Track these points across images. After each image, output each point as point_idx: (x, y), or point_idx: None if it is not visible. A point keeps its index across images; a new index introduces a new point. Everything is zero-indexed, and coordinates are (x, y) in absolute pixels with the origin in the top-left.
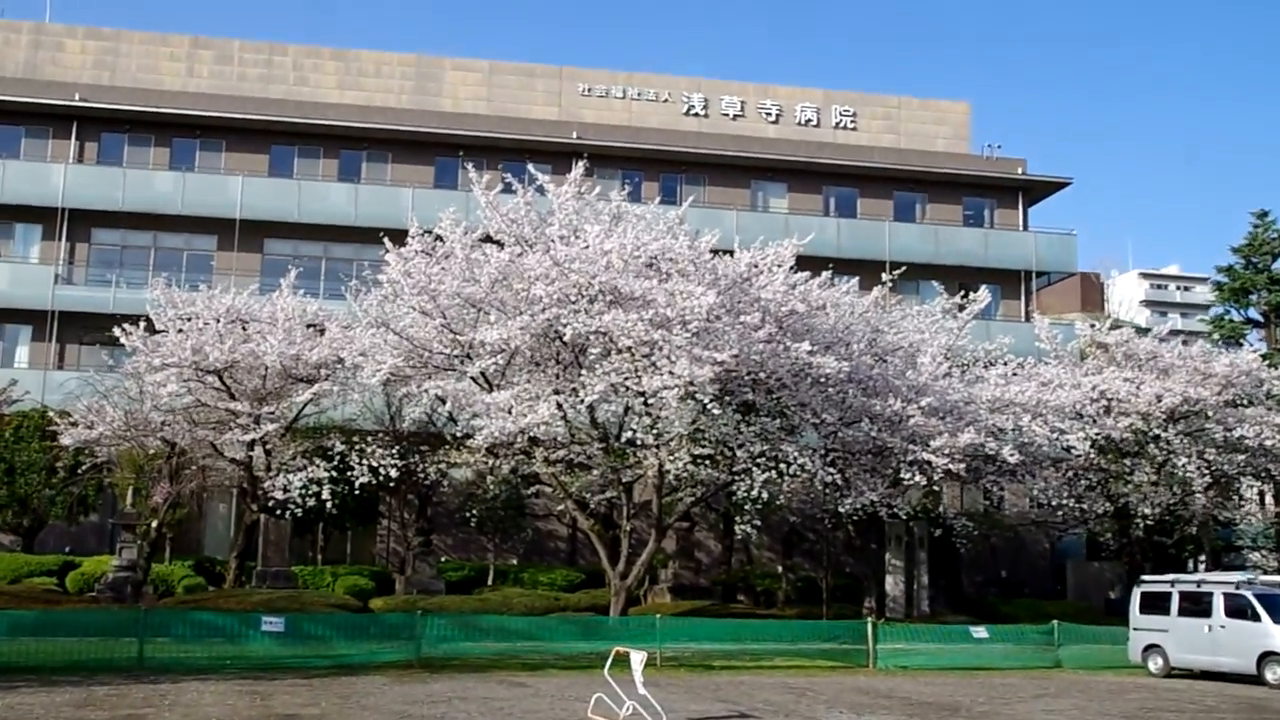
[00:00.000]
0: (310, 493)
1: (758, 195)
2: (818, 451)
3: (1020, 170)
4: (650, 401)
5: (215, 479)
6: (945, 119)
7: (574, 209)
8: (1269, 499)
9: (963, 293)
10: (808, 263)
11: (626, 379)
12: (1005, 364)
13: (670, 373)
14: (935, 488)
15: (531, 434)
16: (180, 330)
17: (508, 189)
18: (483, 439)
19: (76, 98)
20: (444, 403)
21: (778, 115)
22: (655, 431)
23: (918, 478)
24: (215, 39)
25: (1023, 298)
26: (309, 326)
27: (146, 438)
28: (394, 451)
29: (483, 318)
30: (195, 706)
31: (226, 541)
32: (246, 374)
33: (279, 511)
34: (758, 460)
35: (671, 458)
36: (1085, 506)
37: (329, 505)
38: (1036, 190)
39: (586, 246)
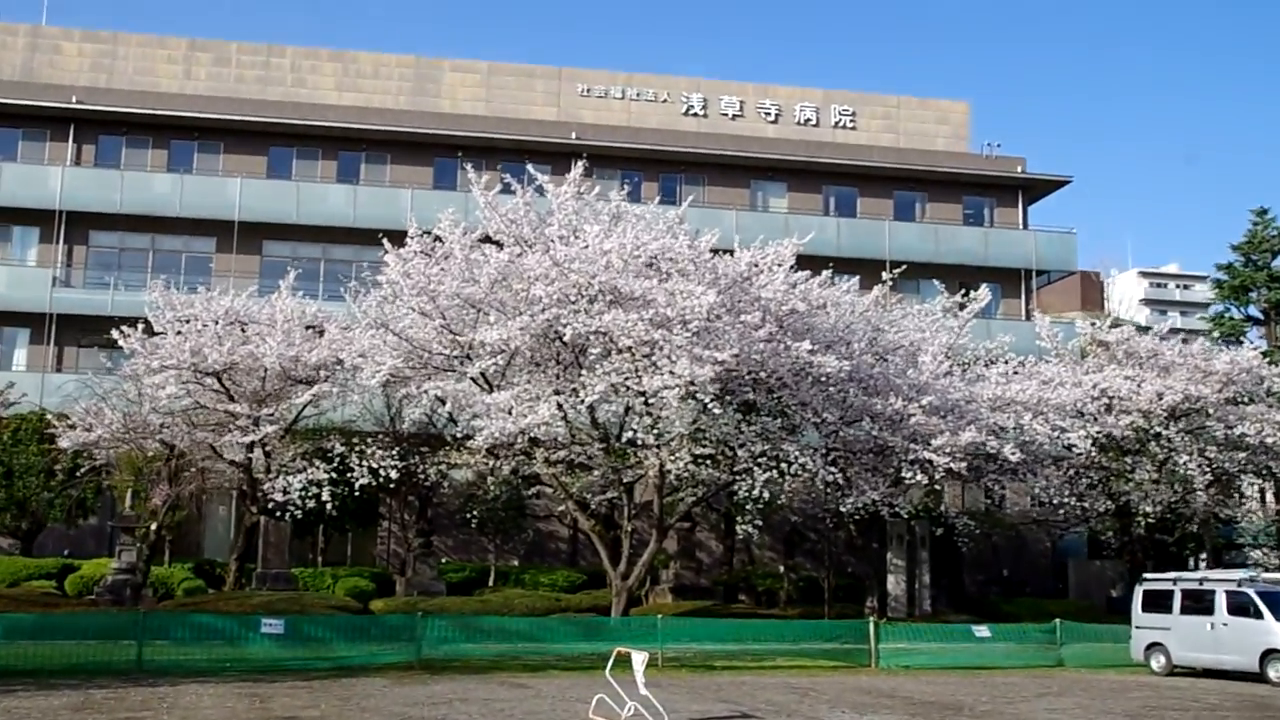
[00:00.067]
0: (310, 494)
1: (757, 195)
2: (819, 451)
3: (1020, 169)
4: (651, 401)
5: (215, 481)
6: (945, 118)
7: (573, 209)
8: (1270, 496)
9: (963, 291)
10: (808, 262)
11: (627, 379)
12: (1006, 362)
13: (671, 372)
14: (937, 487)
15: (532, 434)
16: (179, 332)
17: (507, 190)
18: (483, 440)
19: (74, 100)
20: (444, 404)
21: (777, 115)
22: (656, 431)
23: (919, 477)
24: (212, 41)
25: (1023, 296)
26: (308, 328)
27: (145, 440)
28: (394, 453)
29: (482, 318)
30: (194, 709)
31: (226, 544)
32: (245, 376)
33: (279, 513)
34: (759, 460)
35: (672, 458)
36: (1087, 505)
37: (329, 507)
38: (1036, 189)
39: (586, 246)
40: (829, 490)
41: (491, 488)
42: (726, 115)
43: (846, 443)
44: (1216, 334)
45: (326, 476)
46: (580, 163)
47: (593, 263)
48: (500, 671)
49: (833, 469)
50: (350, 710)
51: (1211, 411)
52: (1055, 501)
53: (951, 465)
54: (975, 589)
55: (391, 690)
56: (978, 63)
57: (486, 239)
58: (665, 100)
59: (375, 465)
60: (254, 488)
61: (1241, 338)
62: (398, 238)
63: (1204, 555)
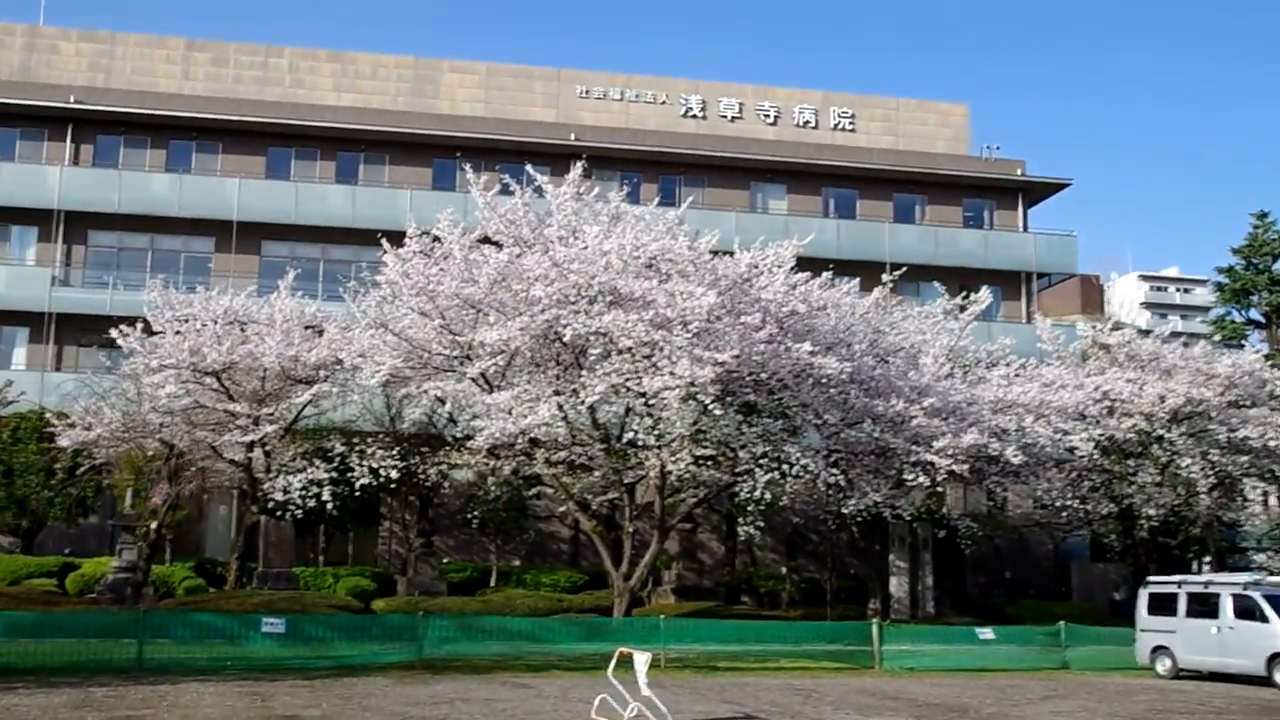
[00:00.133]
0: (310, 494)
1: (757, 197)
2: (820, 452)
3: (1019, 172)
4: (651, 402)
5: (215, 480)
6: (944, 121)
7: (572, 210)
8: (1273, 500)
9: (963, 294)
10: (807, 264)
11: (627, 380)
12: (1007, 365)
13: (671, 373)
14: (939, 489)
15: (532, 435)
16: (178, 332)
17: (506, 191)
18: (483, 440)
19: (71, 100)
20: (444, 404)
21: (776, 117)
22: (657, 432)
23: (921, 479)
24: (211, 41)
25: (1023, 299)
26: (307, 328)
27: (145, 439)
28: (394, 453)
29: (482, 319)
30: (194, 708)
31: (227, 543)
32: (245, 375)
33: (279, 513)
34: (760, 461)
35: (673, 459)
36: (1089, 507)
37: (330, 507)
38: (1036, 191)
39: (585, 247)
40: (831, 492)
41: (492, 488)
42: (725, 117)
43: (848, 444)
44: (1218, 337)
45: (327, 476)
46: (579, 164)
47: (592, 263)
48: (502, 671)
49: (834, 470)
50: (351, 709)
51: (1214, 415)
52: (1058, 504)
53: (953, 467)
54: (978, 591)
55: (393, 690)
56: (977, 66)
57: (485, 240)
58: (664, 102)
59: (376, 465)
60: (254, 487)
61: (1243, 341)
62: (397, 238)
63: (1207, 558)
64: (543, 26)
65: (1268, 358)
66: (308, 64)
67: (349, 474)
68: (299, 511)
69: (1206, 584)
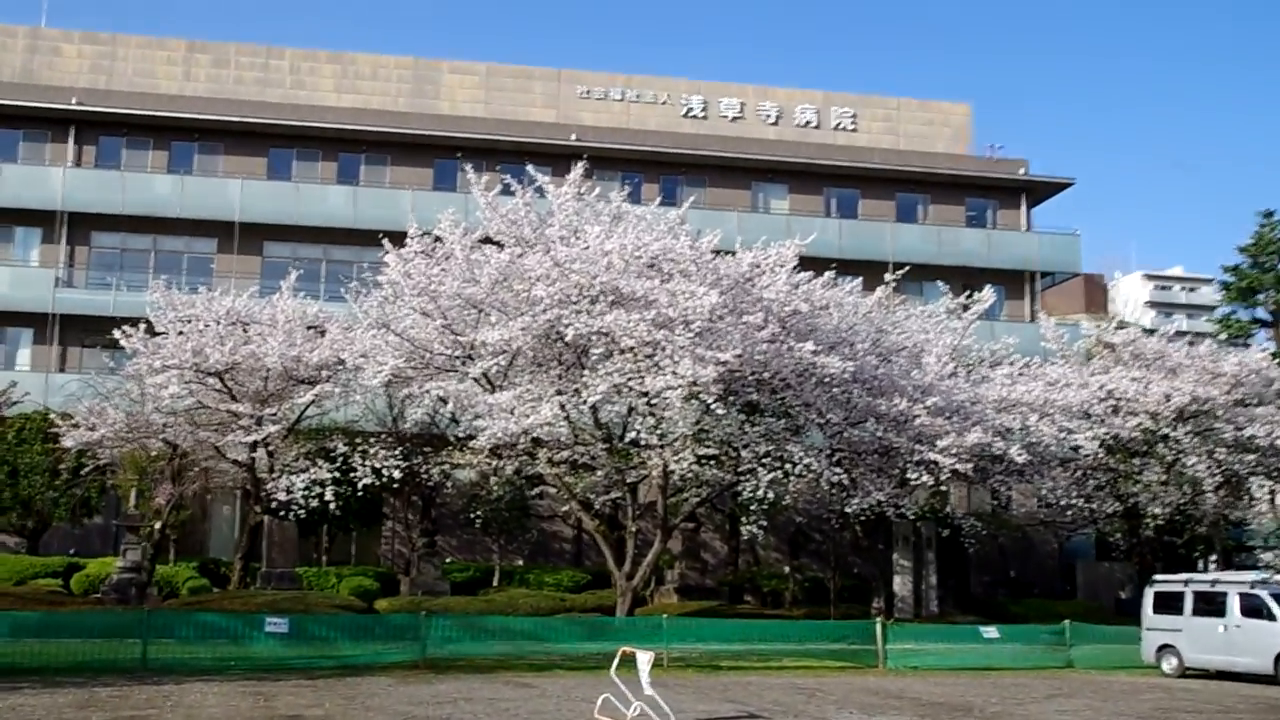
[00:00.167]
0: (313, 494)
1: (758, 197)
2: (823, 452)
3: (1022, 171)
4: (654, 402)
5: (218, 481)
6: (946, 121)
7: (574, 210)
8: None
9: (966, 293)
10: (810, 264)
11: (629, 379)
12: (1011, 364)
13: (674, 373)
14: (942, 488)
15: (535, 435)
16: (181, 332)
17: (507, 191)
18: (486, 440)
19: (74, 101)
20: (446, 404)
21: (777, 117)
22: (659, 432)
23: (925, 478)
24: (212, 43)
25: (1027, 298)
26: (309, 328)
27: (148, 439)
28: (397, 453)
29: (484, 319)
30: (198, 708)
31: (231, 543)
32: (248, 376)
33: (283, 513)
34: (763, 460)
35: (676, 458)
36: (1094, 506)
37: (333, 507)
38: (1039, 191)
39: (587, 247)
40: (834, 491)
41: (495, 488)
42: (726, 117)
43: (851, 443)
44: (1223, 336)
45: (330, 476)
46: (580, 164)
47: (594, 263)
48: (505, 671)
49: (838, 470)
50: (354, 709)
51: (1220, 413)
52: (1062, 503)
53: (957, 466)
54: (982, 590)
55: (396, 689)
56: (979, 66)
57: (487, 240)
58: (665, 102)
59: (378, 465)
60: (258, 487)
61: (1248, 340)
62: (398, 238)
63: (1214, 557)
64: (543, 27)
65: (1275, 356)
66: (308, 65)
67: (352, 474)
68: (302, 511)
69: (1213, 582)
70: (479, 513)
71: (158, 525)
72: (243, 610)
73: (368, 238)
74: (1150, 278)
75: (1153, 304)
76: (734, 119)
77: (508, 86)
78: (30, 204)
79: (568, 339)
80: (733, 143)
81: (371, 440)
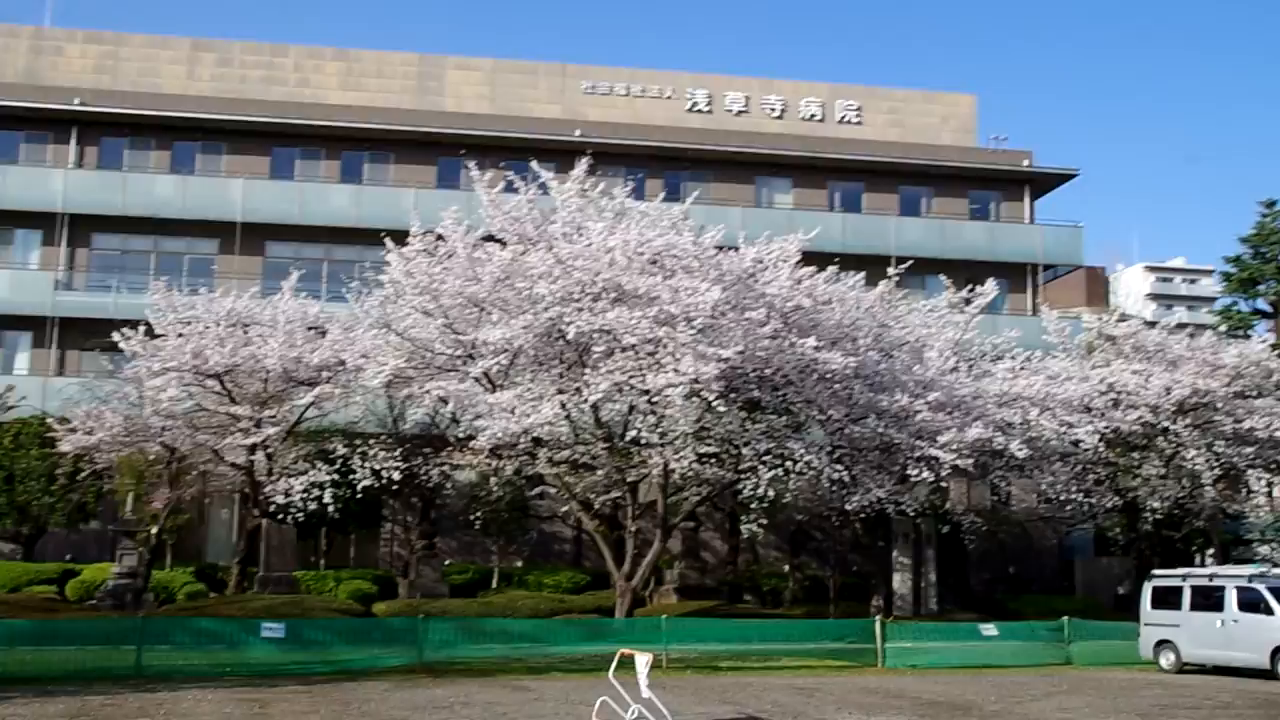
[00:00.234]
0: (312, 497)
1: (762, 191)
2: (824, 449)
3: (1026, 163)
4: (655, 400)
5: (216, 484)
6: (951, 113)
7: (577, 206)
8: (1278, 491)
9: (969, 287)
10: (813, 258)
11: (631, 377)
12: (1013, 358)
13: (675, 370)
14: (943, 484)
15: (535, 434)
16: (180, 334)
17: (510, 188)
18: (486, 440)
19: (76, 102)
20: (447, 404)
21: (782, 111)
22: (660, 430)
23: (925, 474)
24: (216, 41)
25: (1029, 291)
26: (310, 329)
27: (146, 443)
28: (397, 454)
29: (485, 317)
30: (191, 715)
31: (228, 547)
32: (247, 377)
33: (281, 516)
34: (764, 458)
35: (677, 457)
36: (1094, 501)
37: (331, 509)
38: (1042, 183)
39: (590, 244)
40: (834, 488)
41: (495, 488)
42: (731, 111)
43: (852, 440)
44: (1224, 328)
45: (329, 478)
46: (584, 160)
47: (596, 260)
48: (503, 674)
49: (838, 467)
50: (350, 715)
51: (1220, 406)
52: (1062, 498)
53: (958, 462)
54: (981, 587)
55: (393, 694)
56: (983, 57)
57: (490, 238)
58: (670, 97)
59: (378, 467)
60: (256, 490)
61: (1249, 331)
62: (401, 238)
63: (1211, 551)
64: (547, 22)
65: (1274, 347)
66: (313, 63)
67: (351, 476)
68: (300, 515)
69: (1211, 577)
70: (478, 514)
71: (154, 530)
72: (239, 615)
73: (371, 237)
74: (1151, 270)
75: (1154, 296)
76: (739, 113)
77: (512, 82)
78: (31, 205)
79: (569, 337)
80: (737, 137)
81: (371, 442)
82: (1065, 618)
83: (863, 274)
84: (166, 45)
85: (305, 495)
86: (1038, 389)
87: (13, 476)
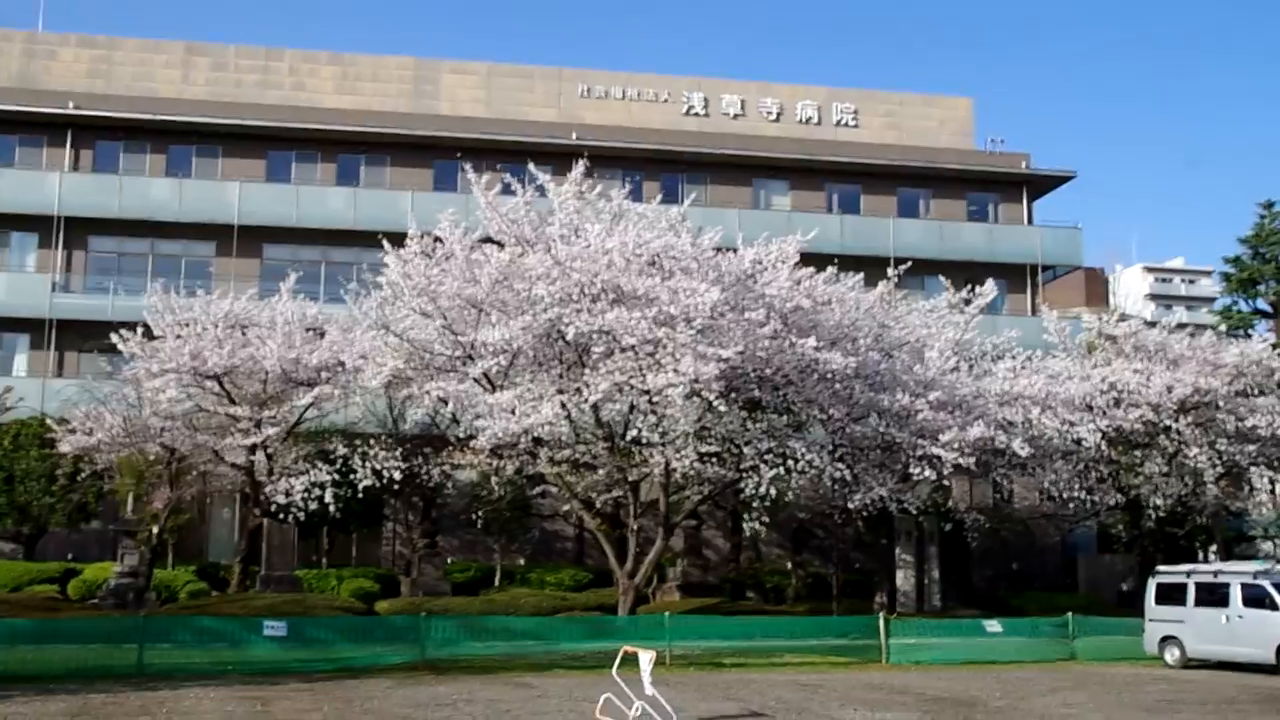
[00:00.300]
0: (313, 496)
1: (760, 194)
2: (825, 447)
3: (1024, 164)
4: (655, 400)
5: (217, 484)
6: (948, 115)
7: (575, 208)
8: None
9: (969, 287)
10: (811, 260)
11: (631, 378)
12: (1013, 358)
13: (675, 370)
14: (945, 482)
15: (536, 434)
16: (178, 336)
17: (507, 190)
18: (486, 440)
19: (71, 106)
20: (446, 404)
21: (779, 114)
22: (661, 430)
23: (927, 472)
24: (210, 45)
25: (1029, 292)
26: (309, 330)
27: (146, 444)
28: (397, 454)
29: (484, 318)
30: (193, 714)
31: (230, 546)
32: (246, 378)
33: (282, 516)
34: (765, 457)
35: (678, 456)
36: (1096, 499)
37: (332, 509)
38: (1040, 184)
39: (588, 245)
40: (836, 487)
41: (496, 488)
42: (728, 114)
43: (853, 439)
44: (1224, 328)
45: (329, 478)
46: (581, 162)
47: (595, 261)
48: (506, 672)
49: (840, 465)
50: (352, 713)
51: (1221, 404)
52: (1064, 496)
53: (960, 460)
54: (984, 584)
55: (395, 692)
56: (981, 60)
57: (487, 239)
58: (666, 100)
59: (378, 467)
60: (256, 490)
61: (1249, 332)
62: (398, 240)
63: (1214, 548)
64: (543, 26)
65: (1275, 346)
66: (308, 66)
67: (352, 476)
68: (301, 514)
69: (1215, 573)
70: (480, 513)
71: (155, 530)
72: (241, 614)
73: (367, 239)
74: (1150, 270)
75: (1153, 296)
76: (735, 116)
77: (508, 86)
78: (27, 209)
79: (568, 338)
80: (734, 140)
81: (371, 442)
82: (1069, 614)
83: (861, 275)
84: (160, 49)
85: (306, 495)
86: (1039, 388)
87: (13, 477)
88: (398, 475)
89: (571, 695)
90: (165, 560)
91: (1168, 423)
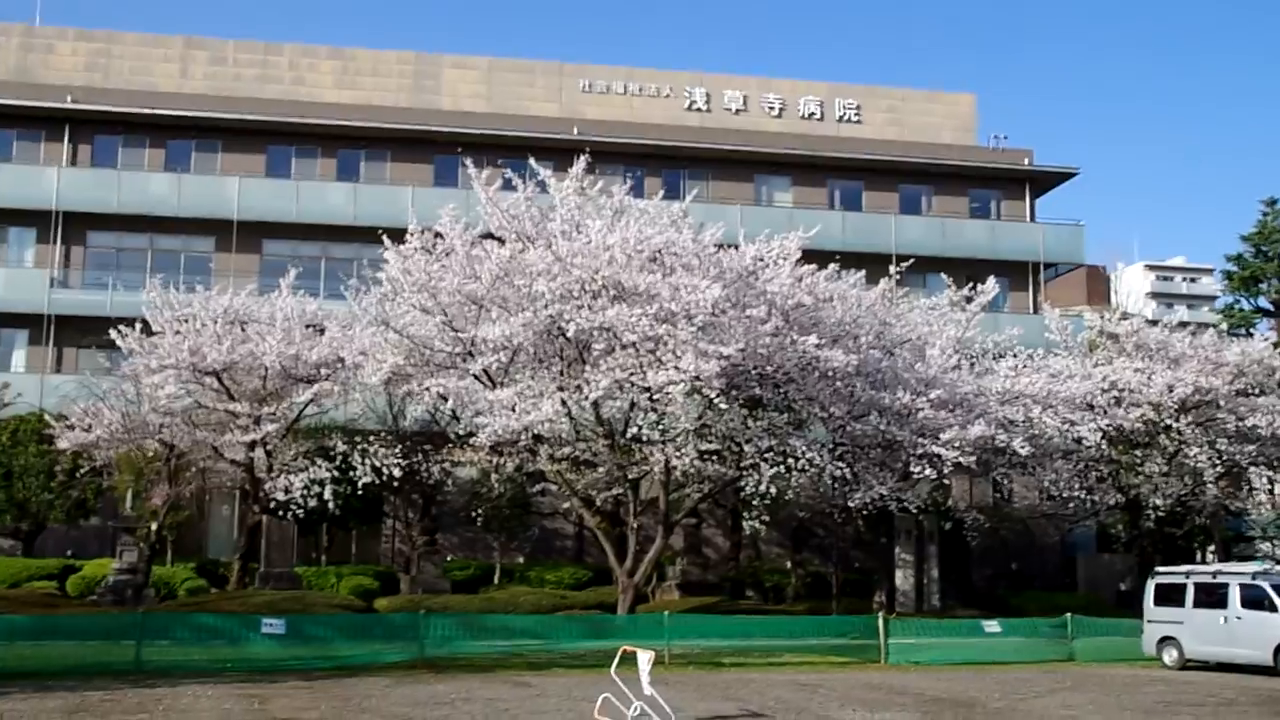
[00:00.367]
0: (312, 493)
1: (761, 190)
2: (826, 446)
3: (1027, 161)
4: (656, 397)
5: (216, 481)
6: (951, 111)
7: (576, 204)
8: (1279, 488)
9: (970, 285)
10: (813, 257)
11: (631, 375)
12: (1014, 356)
13: (676, 368)
14: (945, 481)
15: (536, 431)
16: (178, 332)
17: (508, 186)
18: (486, 437)
19: (69, 100)
20: (446, 401)
21: (781, 109)
22: (661, 427)
23: (927, 471)
24: (209, 39)
25: (1031, 290)
26: (308, 326)
27: (145, 440)
28: (397, 451)
29: (484, 315)
30: (190, 711)
31: (229, 543)
32: (246, 375)
33: (281, 512)
34: (765, 455)
35: (678, 454)
36: (1096, 498)
37: (332, 506)
38: (1043, 181)
39: (589, 241)
40: (836, 485)
41: (496, 485)
42: (730, 110)
43: (854, 437)
44: (1225, 326)
45: (329, 475)
46: (583, 158)
47: (596, 257)
48: (505, 670)
49: (840, 464)
50: (350, 711)
51: (1222, 403)
52: (1065, 495)
53: (960, 459)
54: (984, 583)
55: (393, 690)
56: (984, 56)
57: (488, 235)
58: (668, 95)
59: (378, 463)
60: (256, 487)
61: (1251, 330)
62: (398, 235)
63: (1213, 548)
64: (544, 20)
65: (1277, 345)
66: (308, 61)
67: (351, 473)
68: (301, 511)
69: (1214, 574)
70: (480, 510)
71: (154, 526)
72: (240, 611)
73: (368, 235)
74: (1152, 268)
75: (1154, 295)
76: (737, 111)
77: (509, 81)
78: (25, 204)
79: (569, 334)
80: (736, 135)
81: (371, 439)
82: (1068, 614)
83: (863, 272)
84: (159, 43)
85: (305, 492)
86: (1040, 387)
87: (11, 473)
88: (397, 472)
89: (570, 694)
90: (164, 557)
91: (1168, 422)
